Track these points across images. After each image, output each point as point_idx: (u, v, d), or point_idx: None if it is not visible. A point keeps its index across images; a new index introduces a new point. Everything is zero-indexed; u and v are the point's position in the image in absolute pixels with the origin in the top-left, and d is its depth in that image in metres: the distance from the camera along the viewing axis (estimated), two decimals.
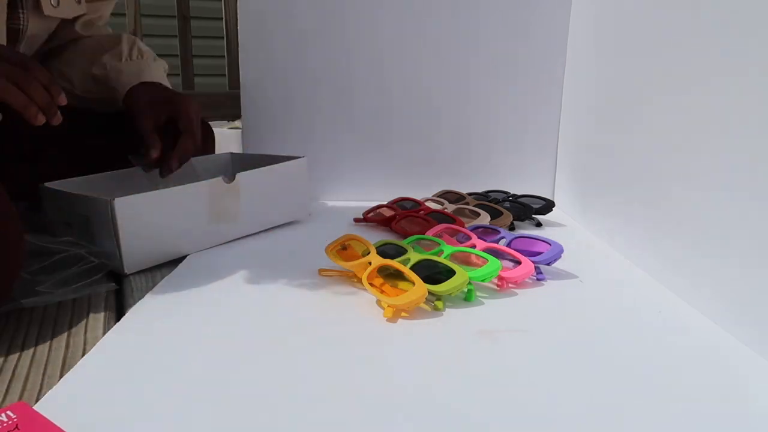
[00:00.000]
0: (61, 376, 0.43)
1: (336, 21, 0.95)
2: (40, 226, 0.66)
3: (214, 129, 0.97)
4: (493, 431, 0.37)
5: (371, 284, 0.56)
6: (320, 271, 0.64)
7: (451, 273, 0.55)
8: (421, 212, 0.80)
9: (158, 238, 0.66)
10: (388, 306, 0.52)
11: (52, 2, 0.76)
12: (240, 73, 0.98)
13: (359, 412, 0.38)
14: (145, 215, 0.64)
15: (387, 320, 0.52)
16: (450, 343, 0.48)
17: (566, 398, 0.40)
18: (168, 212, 0.66)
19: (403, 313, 0.53)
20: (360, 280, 0.58)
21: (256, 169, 0.76)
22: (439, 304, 0.55)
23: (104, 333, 0.50)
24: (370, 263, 0.58)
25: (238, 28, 0.96)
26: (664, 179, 0.62)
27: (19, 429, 0.34)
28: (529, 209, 0.86)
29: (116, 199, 0.61)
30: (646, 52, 0.66)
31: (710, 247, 0.53)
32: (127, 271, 0.63)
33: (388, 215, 0.83)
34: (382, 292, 0.56)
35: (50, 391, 0.41)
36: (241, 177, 0.73)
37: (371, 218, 0.85)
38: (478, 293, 0.58)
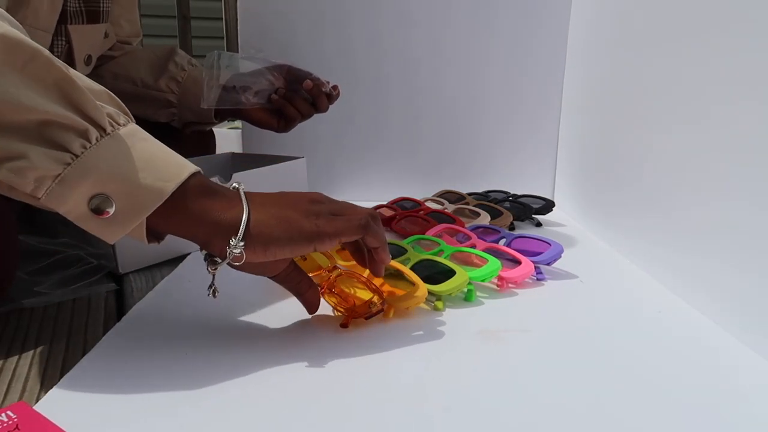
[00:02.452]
0: (61, 376, 0.43)
1: (336, 21, 0.95)
2: (39, 225, 0.66)
3: (214, 129, 0.98)
4: (494, 431, 0.37)
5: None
6: None
7: (451, 273, 0.55)
8: (421, 212, 0.80)
9: None
10: (388, 306, 0.52)
11: (84, 59, 0.75)
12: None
13: (359, 412, 0.38)
14: None
15: (387, 320, 0.52)
16: (450, 343, 0.48)
17: (567, 398, 0.40)
18: None
19: (403, 313, 0.53)
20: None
21: (253, 170, 0.76)
22: (439, 304, 0.55)
23: (104, 333, 0.50)
24: None
25: (238, 28, 0.96)
26: (664, 179, 0.62)
27: (19, 429, 0.34)
28: (529, 209, 0.86)
29: None
30: (647, 51, 0.66)
31: (710, 247, 0.53)
32: (122, 270, 0.63)
33: (388, 215, 0.83)
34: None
35: (50, 391, 0.41)
36: (237, 177, 0.73)
37: None
38: (478, 293, 0.58)
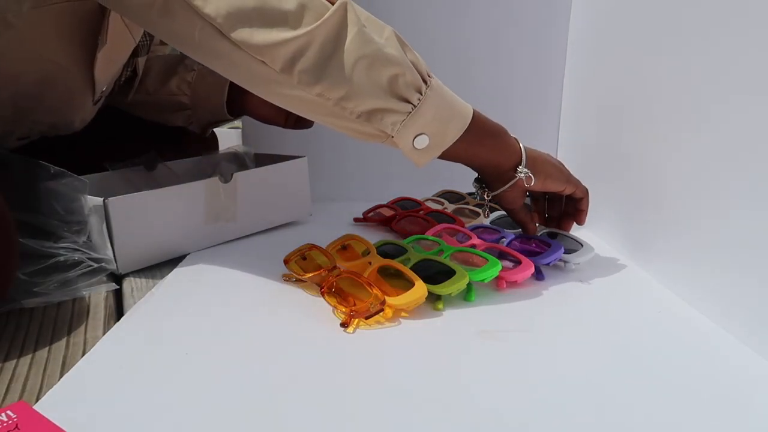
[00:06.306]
0: (61, 376, 0.43)
1: None
2: (41, 229, 0.65)
3: (215, 129, 0.98)
4: (493, 431, 0.37)
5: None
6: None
7: (451, 273, 0.55)
8: (421, 212, 0.80)
9: (153, 238, 0.66)
10: (388, 306, 0.52)
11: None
12: None
13: (359, 412, 0.38)
14: (139, 215, 0.64)
15: (387, 320, 0.52)
16: (450, 343, 0.48)
17: (567, 398, 0.40)
18: (163, 212, 0.66)
19: (403, 313, 0.53)
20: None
21: (254, 169, 0.76)
22: (439, 304, 0.55)
23: (104, 333, 0.50)
24: (370, 263, 0.58)
25: None
26: (664, 179, 0.61)
27: (19, 429, 0.34)
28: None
29: (110, 198, 0.61)
30: (647, 51, 0.66)
31: (710, 246, 0.53)
32: (121, 271, 0.63)
33: (388, 215, 0.83)
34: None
35: (50, 391, 0.41)
36: (239, 177, 0.73)
37: (371, 218, 0.85)
38: (478, 293, 0.58)
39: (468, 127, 0.57)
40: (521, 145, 0.63)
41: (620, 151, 0.73)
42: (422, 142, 0.55)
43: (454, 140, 0.57)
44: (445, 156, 0.59)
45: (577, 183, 0.66)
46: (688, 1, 0.57)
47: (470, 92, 0.97)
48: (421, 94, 0.53)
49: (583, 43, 0.88)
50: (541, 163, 0.63)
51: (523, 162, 0.62)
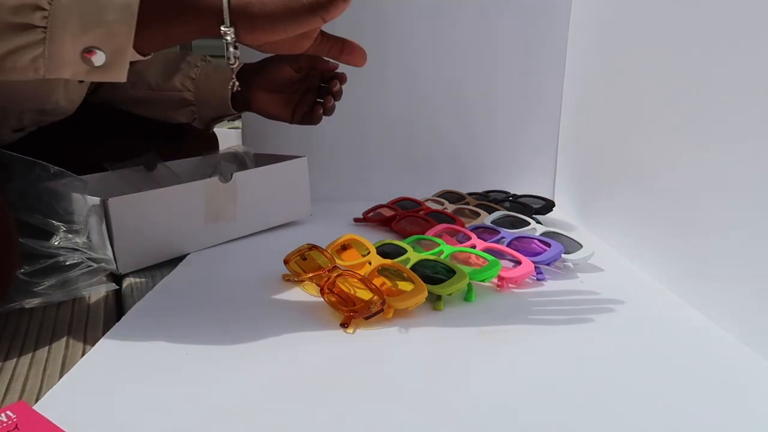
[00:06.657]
0: (61, 376, 0.43)
1: (336, 21, 0.95)
2: (40, 229, 0.65)
3: (215, 128, 0.98)
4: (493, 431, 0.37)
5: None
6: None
7: (451, 273, 0.55)
8: (421, 212, 0.80)
9: (154, 237, 0.66)
10: (388, 306, 0.52)
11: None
12: None
13: (359, 413, 0.38)
14: (139, 215, 0.64)
15: (387, 320, 0.52)
16: (450, 343, 0.48)
17: (566, 398, 0.40)
18: (163, 212, 0.66)
19: (403, 314, 0.53)
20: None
21: (254, 169, 0.76)
22: (439, 304, 0.55)
23: (104, 333, 0.50)
24: (370, 263, 0.58)
25: None
26: (664, 179, 0.62)
27: (19, 429, 0.34)
28: (529, 209, 0.85)
29: (110, 198, 0.61)
30: (647, 51, 0.66)
31: (710, 246, 0.53)
32: (121, 271, 0.63)
33: (388, 215, 0.83)
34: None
35: (50, 391, 0.41)
36: (239, 177, 0.73)
37: (371, 218, 0.85)
38: (478, 293, 0.58)
39: (138, 13, 0.44)
40: None
41: (620, 152, 0.73)
42: (99, 59, 0.44)
43: (132, 40, 0.44)
44: (144, 50, 0.47)
45: (313, 9, 0.47)
46: (687, 0, 0.57)
47: (470, 93, 0.98)
48: (46, 10, 0.42)
49: (583, 43, 0.88)
50: (257, 4, 0.46)
51: (226, 19, 0.45)
